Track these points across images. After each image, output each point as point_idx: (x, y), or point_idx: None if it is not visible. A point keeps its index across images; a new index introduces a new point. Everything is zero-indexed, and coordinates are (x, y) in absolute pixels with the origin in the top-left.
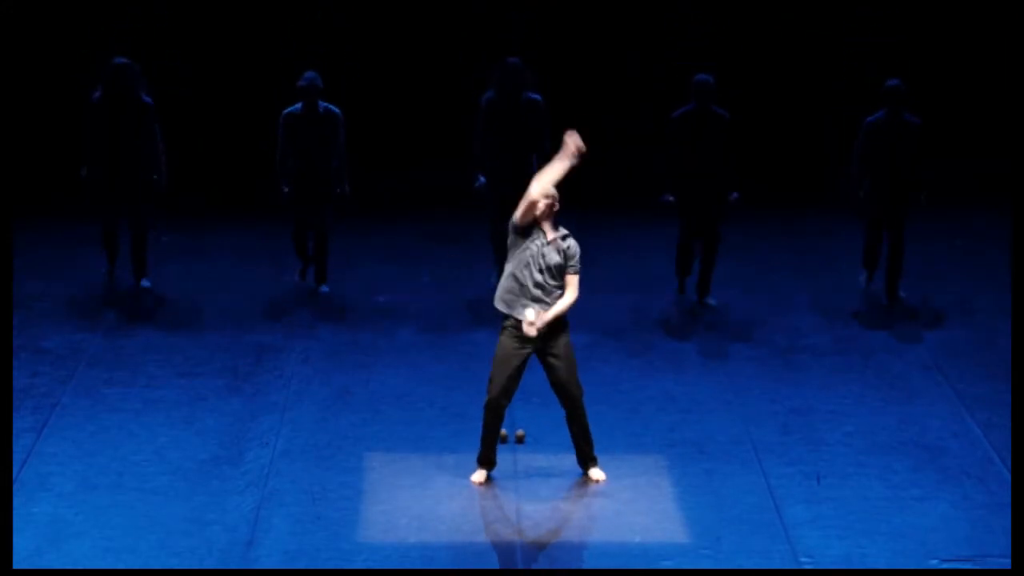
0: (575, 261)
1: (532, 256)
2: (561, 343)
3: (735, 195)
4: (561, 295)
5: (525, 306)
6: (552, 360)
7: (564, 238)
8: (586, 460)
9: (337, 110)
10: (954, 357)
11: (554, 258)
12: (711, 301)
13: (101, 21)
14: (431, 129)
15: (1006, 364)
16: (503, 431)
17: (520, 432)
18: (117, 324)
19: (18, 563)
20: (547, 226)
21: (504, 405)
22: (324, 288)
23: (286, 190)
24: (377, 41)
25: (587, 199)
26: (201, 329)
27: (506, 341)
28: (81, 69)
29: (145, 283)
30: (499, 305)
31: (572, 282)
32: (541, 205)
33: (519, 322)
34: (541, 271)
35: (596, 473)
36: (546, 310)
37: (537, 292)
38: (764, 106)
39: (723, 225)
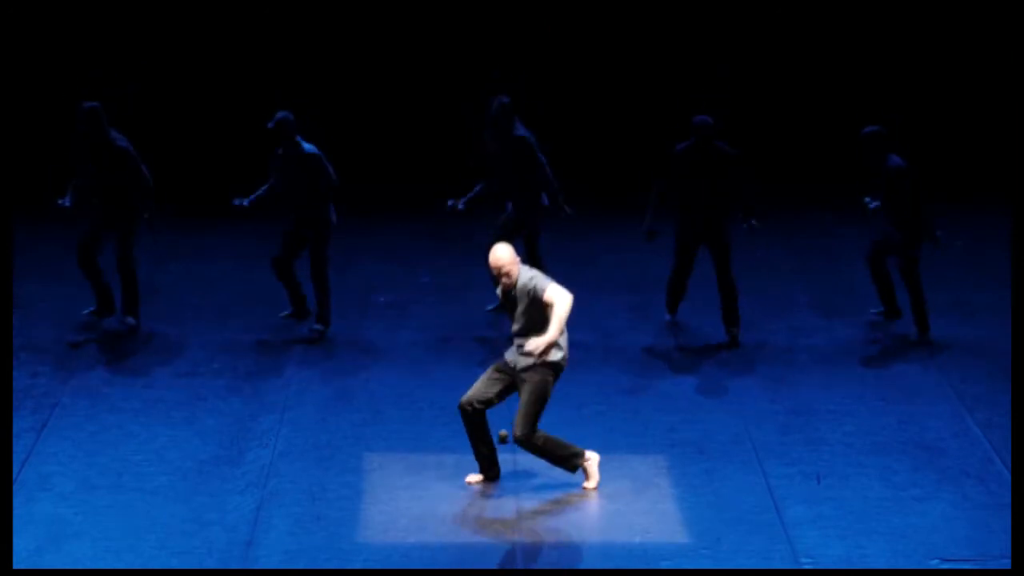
0: (540, 284)
1: (507, 305)
2: (527, 384)
3: (752, 221)
4: (539, 332)
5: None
6: (521, 395)
7: (526, 281)
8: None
9: (315, 150)
10: (954, 357)
11: (520, 303)
12: (735, 331)
13: (102, 20)
14: (430, 130)
15: (1006, 364)
16: (503, 431)
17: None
18: (117, 324)
19: (18, 563)
20: (500, 292)
21: (468, 409)
22: (316, 326)
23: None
24: (377, 43)
25: (587, 199)
26: (201, 329)
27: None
28: (81, 69)
29: (130, 320)
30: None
31: (550, 297)
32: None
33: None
34: (512, 320)
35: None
36: (521, 343)
37: (520, 340)
38: (765, 106)
39: (731, 260)
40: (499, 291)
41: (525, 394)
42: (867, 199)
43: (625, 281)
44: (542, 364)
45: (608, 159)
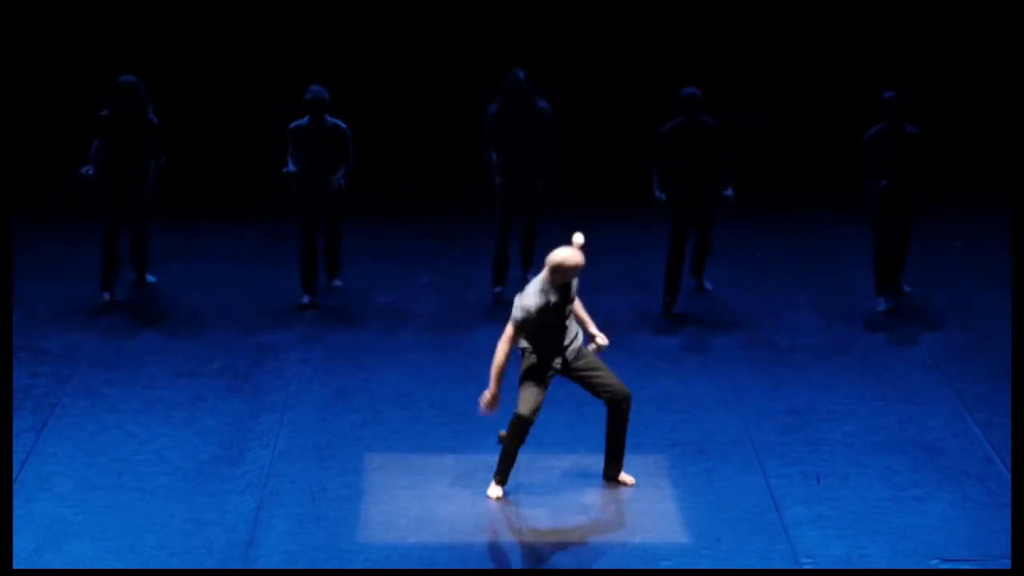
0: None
1: (560, 313)
2: (587, 358)
3: (730, 192)
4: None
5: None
6: (589, 371)
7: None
8: (618, 465)
9: (344, 125)
10: (954, 357)
11: (567, 306)
12: (708, 285)
13: (102, 20)
14: (431, 129)
15: (1006, 364)
16: (501, 432)
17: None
18: (117, 324)
19: (18, 563)
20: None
21: (533, 424)
22: (337, 282)
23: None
24: (377, 40)
25: (585, 198)
26: (201, 329)
27: (535, 361)
28: (81, 69)
29: (150, 278)
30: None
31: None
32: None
33: (543, 351)
34: (555, 330)
35: (625, 476)
36: (572, 340)
37: (570, 344)
38: (764, 107)
39: (714, 227)
40: (552, 298)
41: (598, 365)
42: (881, 183)
43: (624, 281)
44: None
45: (608, 159)
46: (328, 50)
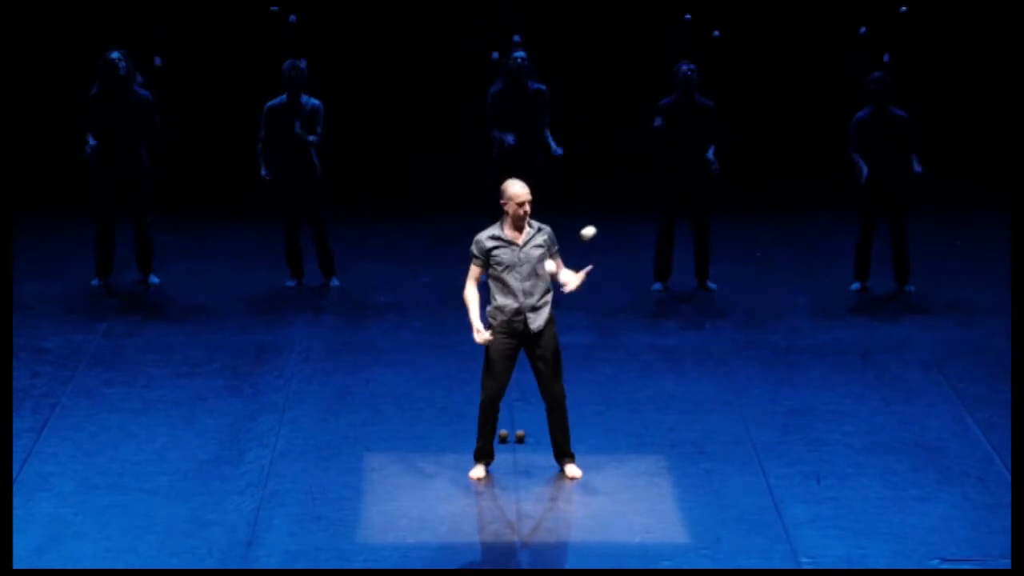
0: (552, 236)
1: (511, 265)
2: (548, 340)
3: (715, 167)
4: (545, 289)
5: (512, 313)
6: (538, 359)
7: (539, 231)
8: (561, 456)
9: (318, 103)
10: (954, 357)
11: (535, 254)
12: (712, 285)
13: (98, 21)
14: (430, 128)
15: (1006, 364)
16: (503, 431)
17: (520, 432)
18: (117, 324)
19: (18, 563)
20: (514, 231)
21: (498, 401)
22: (334, 282)
23: (264, 174)
24: (376, 38)
25: (585, 198)
26: (201, 329)
27: (495, 340)
28: (79, 67)
29: (153, 279)
30: (489, 319)
31: (559, 263)
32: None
33: (505, 323)
34: (526, 277)
35: (572, 470)
36: (537, 309)
37: (529, 300)
38: (765, 105)
39: (711, 209)
40: (502, 243)
41: (550, 354)
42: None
43: (625, 280)
44: (552, 319)
45: (607, 158)
46: (328, 51)
